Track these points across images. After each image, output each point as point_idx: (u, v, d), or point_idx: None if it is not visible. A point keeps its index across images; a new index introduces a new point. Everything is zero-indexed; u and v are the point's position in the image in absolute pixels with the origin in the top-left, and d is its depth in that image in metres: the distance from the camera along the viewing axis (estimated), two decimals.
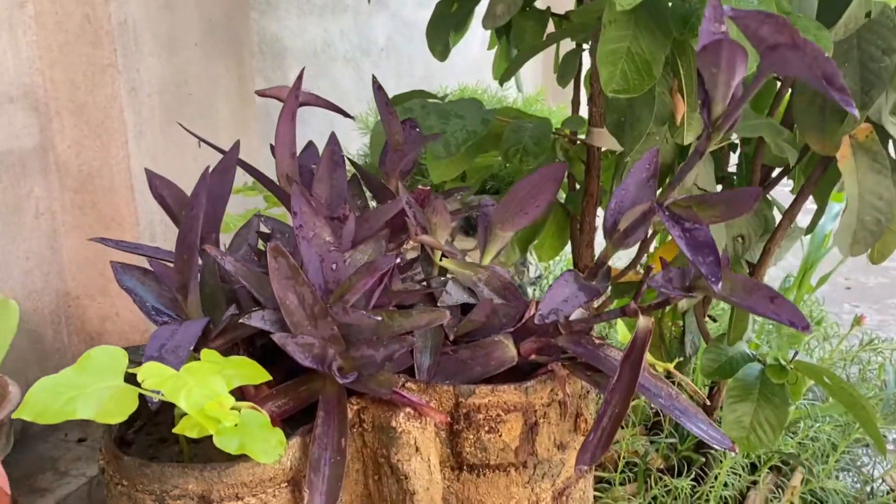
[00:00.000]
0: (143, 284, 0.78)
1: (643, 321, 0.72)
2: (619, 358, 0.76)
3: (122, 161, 1.27)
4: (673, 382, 0.90)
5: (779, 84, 1.09)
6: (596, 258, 0.74)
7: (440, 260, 0.89)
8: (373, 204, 0.95)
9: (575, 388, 0.82)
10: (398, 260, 0.83)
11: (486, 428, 0.79)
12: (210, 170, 0.82)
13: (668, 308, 1.42)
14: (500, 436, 0.79)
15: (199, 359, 0.70)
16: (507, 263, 1.72)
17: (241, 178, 1.27)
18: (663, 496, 1.28)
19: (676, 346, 1.40)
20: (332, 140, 0.88)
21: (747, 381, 1.15)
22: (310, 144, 0.95)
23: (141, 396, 0.64)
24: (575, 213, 1.41)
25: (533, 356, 0.82)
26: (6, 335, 0.53)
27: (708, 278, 0.58)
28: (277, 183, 0.91)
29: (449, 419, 0.78)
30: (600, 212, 1.22)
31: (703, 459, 1.33)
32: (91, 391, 0.62)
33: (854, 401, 1.02)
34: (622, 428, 1.45)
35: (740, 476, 1.29)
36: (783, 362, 1.08)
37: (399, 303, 0.85)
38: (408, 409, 0.73)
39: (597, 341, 0.80)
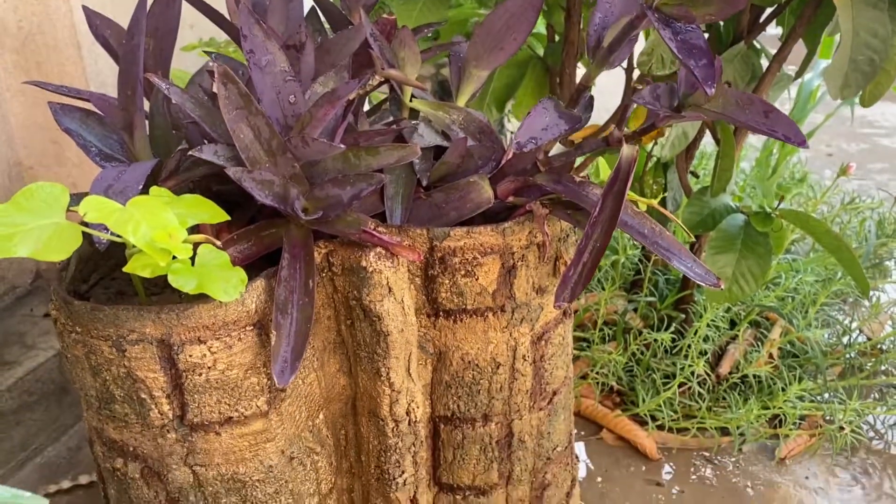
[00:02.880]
0: (85, 126, 0.72)
1: (627, 149, 0.67)
2: (602, 194, 0.72)
3: (64, 16, 1.17)
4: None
5: None
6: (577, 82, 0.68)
7: (410, 101, 0.83)
8: None
9: (554, 230, 0.78)
10: (361, 92, 0.77)
11: (463, 272, 0.75)
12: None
13: (649, 165, 1.38)
14: (476, 279, 0.75)
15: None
16: None
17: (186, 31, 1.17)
18: (643, 351, 1.28)
19: (660, 200, 1.36)
20: None
21: (730, 231, 1.13)
22: None
23: (87, 236, 0.59)
24: (554, 65, 1.34)
25: (511, 198, 0.78)
26: None
27: (702, 83, 0.53)
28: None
29: (423, 259, 0.74)
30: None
31: (683, 316, 1.32)
32: (31, 228, 0.56)
33: (838, 244, 1.00)
34: (601, 289, 1.44)
35: (720, 330, 1.29)
36: (768, 209, 1.05)
37: (366, 145, 0.79)
38: (378, 249, 0.68)
39: (578, 178, 0.76)
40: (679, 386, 1.23)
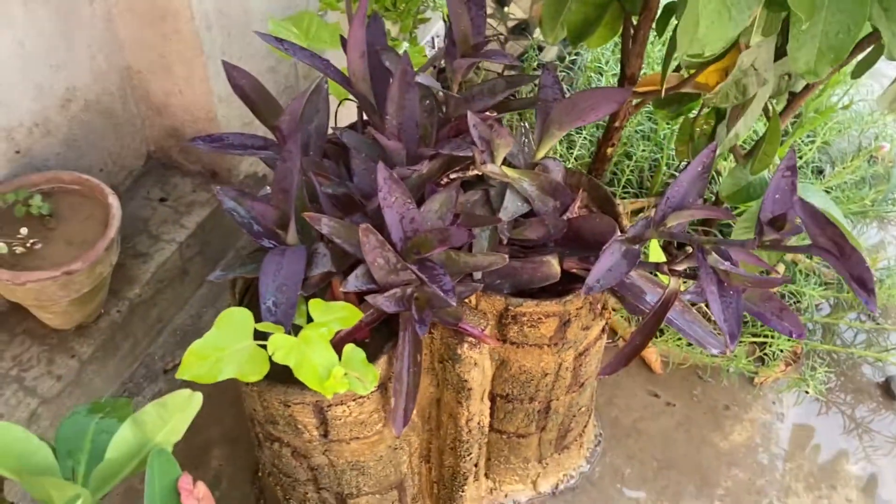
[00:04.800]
0: (240, 205, 0.89)
1: (673, 283, 0.86)
2: (646, 285, 0.92)
3: None
4: None
5: None
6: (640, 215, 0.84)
7: (500, 165, 0.98)
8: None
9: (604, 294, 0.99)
10: (461, 176, 0.93)
11: (528, 325, 0.97)
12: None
13: (704, 110, 1.48)
14: (538, 329, 0.98)
15: (304, 294, 0.86)
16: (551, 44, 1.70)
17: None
18: None
19: (704, 142, 1.49)
20: (406, 59, 0.90)
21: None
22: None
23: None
24: (631, 10, 1.38)
25: (574, 269, 0.97)
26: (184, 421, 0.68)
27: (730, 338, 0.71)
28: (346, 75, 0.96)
29: (498, 312, 0.96)
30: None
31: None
32: (230, 353, 0.79)
33: None
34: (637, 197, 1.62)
35: None
36: None
37: (461, 209, 0.96)
38: (470, 339, 0.90)
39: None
40: None
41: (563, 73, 1.82)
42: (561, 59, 1.84)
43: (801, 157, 1.66)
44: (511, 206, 0.97)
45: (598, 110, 0.95)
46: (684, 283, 0.85)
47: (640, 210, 1.64)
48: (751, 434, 1.38)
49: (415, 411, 1.04)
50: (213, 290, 1.54)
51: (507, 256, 0.89)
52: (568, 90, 1.76)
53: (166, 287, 1.43)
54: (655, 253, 0.92)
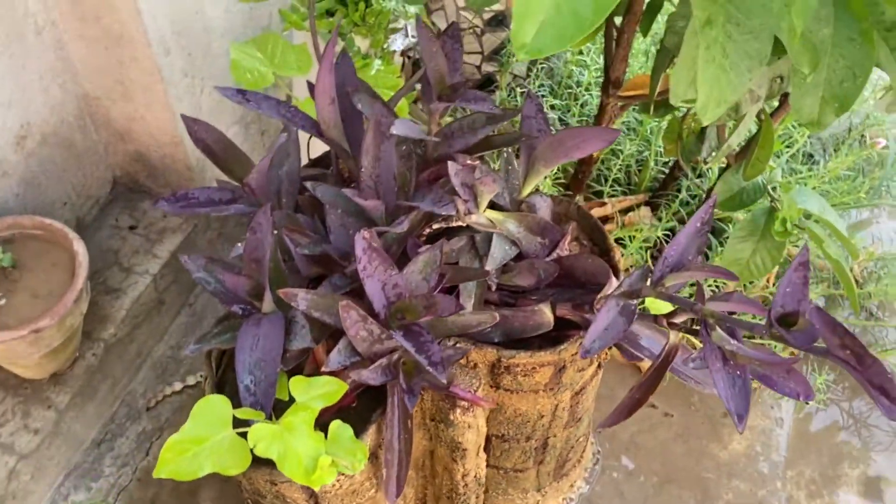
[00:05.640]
0: (210, 274, 0.84)
1: (673, 336, 0.81)
2: (643, 333, 0.88)
3: None
4: None
5: None
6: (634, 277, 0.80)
7: (484, 210, 0.92)
8: None
9: None
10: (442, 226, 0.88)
11: (522, 374, 0.93)
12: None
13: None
14: (533, 378, 0.94)
15: (284, 369, 0.81)
16: None
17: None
18: None
19: (693, 141, 1.43)
20: (379, 111, 0.83)
21: (756, 221, 1.24)
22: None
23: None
24: (613, 13, 1.31)
25: (567, 315, 0.92)
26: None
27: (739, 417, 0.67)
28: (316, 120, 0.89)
29: (490, 363, 0.92)
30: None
31: None
32: (209, 445, 0.74)
33: (840, 268, 1.13)
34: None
35: None
36: (788, 226, 1.17)
37: (445, 260, 0.91)
38: (463, 403, 0.86)
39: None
40: None
41: (544, 65, 1.75)
42: None
43: (792, 145, 1.61)
44: (498, 254, 0.92)
45: (585, 148, 0.90)
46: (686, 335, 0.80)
47: (630, 209, 1.60)
48: (750, 442, 1.36)
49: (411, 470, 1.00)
50: (193, 317, 1.49)
51: (496, 315, 0.84)
52: (551, 86, 1.70)
53: (142, 322, 1.38)
54: (654, 303, 0.88)
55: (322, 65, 0.84)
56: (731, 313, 0.77)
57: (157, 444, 1.34)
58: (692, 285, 1.33)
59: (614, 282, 0.86)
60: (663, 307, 0.85)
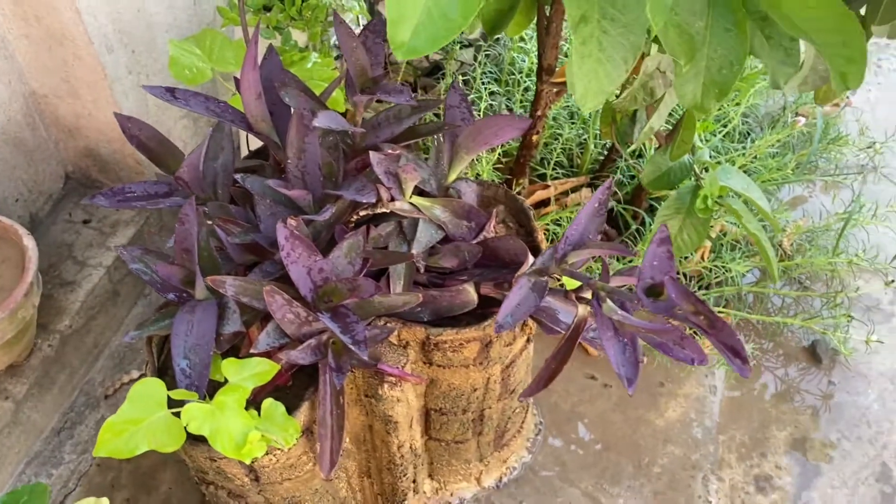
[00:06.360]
0: (146, 265, 0.88)
1: (581, 310, 0.87)
2: (561, 308, 0.94)
3: None
4: None
5: None
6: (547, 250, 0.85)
7: (410, 197, 0.97)
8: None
9: None
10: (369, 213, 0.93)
11: (451, 350, 0.99)
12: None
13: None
14: (462, 353, 1.00)
15: (219, 352, 0.86)
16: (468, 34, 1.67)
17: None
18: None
19: (627, 124, 1.49)
20: (303, 104, 0.88)
21: (682, 199, 1.31)
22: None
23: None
24: (543, 1, 1.36)
25: (492, 293, 0.98)
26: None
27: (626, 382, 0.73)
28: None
29: (421, 340, 0.98)
30: None
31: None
32: (145, 425, 0.79)
33: (758, 238, 1.20)
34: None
35: None
36: (710, 203, 1.23)
37: (374, 244, 0.96)
38: (391, 378, 0.91)
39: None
40: None
41: (489, 51, 1.80)
42: (484, 37, 1.81)
43: (727, 124, 1.67)
44: (424, 238, 0.97)
45: (502, 135, 0.95)
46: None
47: (575, 189, 1.65)
48: (685, 409, 1.43)
49: (348, 439, 1.05)
50: (149, 307, 1.53)
51: (420, 295, 0.89)
52: (495, 72, 1.75)
53: (98, 313, 1.42)
54: (570, 280, 0.93)
55: (245, 61, 0.88)
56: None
57: None
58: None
59: (531, 260, 0.91)
60: (575, 283, 0.90)
